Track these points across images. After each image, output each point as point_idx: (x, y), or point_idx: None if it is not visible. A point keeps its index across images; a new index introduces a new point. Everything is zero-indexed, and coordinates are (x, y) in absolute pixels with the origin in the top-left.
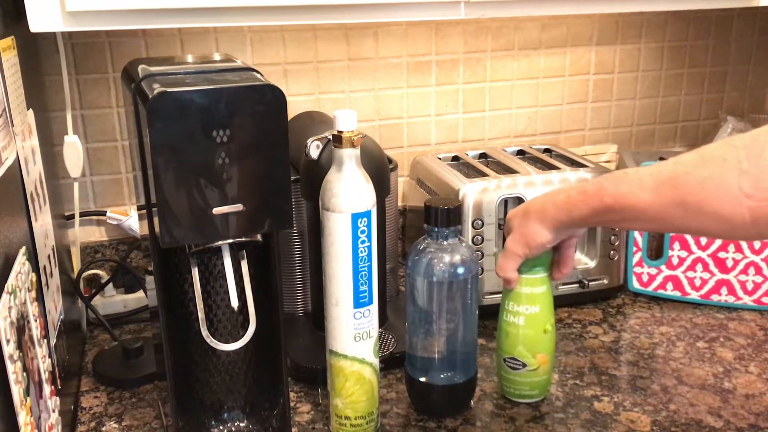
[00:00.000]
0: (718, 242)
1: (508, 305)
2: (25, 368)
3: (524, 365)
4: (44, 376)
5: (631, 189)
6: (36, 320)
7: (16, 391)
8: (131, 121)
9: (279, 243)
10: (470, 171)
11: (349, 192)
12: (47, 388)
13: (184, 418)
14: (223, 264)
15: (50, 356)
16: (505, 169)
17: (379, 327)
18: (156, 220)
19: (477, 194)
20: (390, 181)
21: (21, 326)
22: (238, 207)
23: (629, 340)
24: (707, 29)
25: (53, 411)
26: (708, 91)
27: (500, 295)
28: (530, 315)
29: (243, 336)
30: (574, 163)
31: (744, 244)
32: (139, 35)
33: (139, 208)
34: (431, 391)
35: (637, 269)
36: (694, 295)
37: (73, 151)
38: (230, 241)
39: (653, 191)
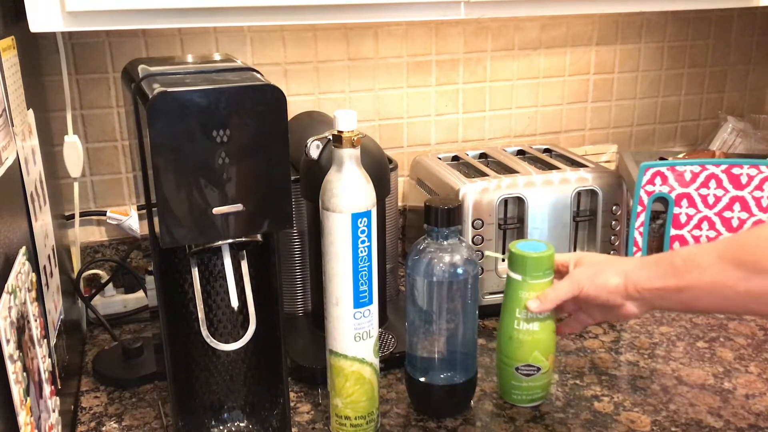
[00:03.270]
0: None
1: (520, 314)
2: (25, 368)
3: (539, 369)
4: (44, 376)
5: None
6: (36, 320)
7: (16, 391)
8: (131, 121)
9: (279, 243)
10: (470, 171)
11: (349, 192)
12: (47, 388)
13: (184, 418)
14: (223, 264)
15: (50, 356)
16: (505, 169)
17: (379, 327)
18: (156, 220)
19: (477, 194)
20: (390, 181)
21: (21, 326)
22: (238, 207)
23: (629, 340)
24: (707, 29)
25: (53, 411)
26: (708, 91)
27: (500, 296)
28: (543, 320)
29: (243, 336)
30: (574, 163)
31: None
32: (139, 35)
33: (139, 208)
34: (431, 391)
35: None
36: None
37: (73, 151)
38: (230, 241)
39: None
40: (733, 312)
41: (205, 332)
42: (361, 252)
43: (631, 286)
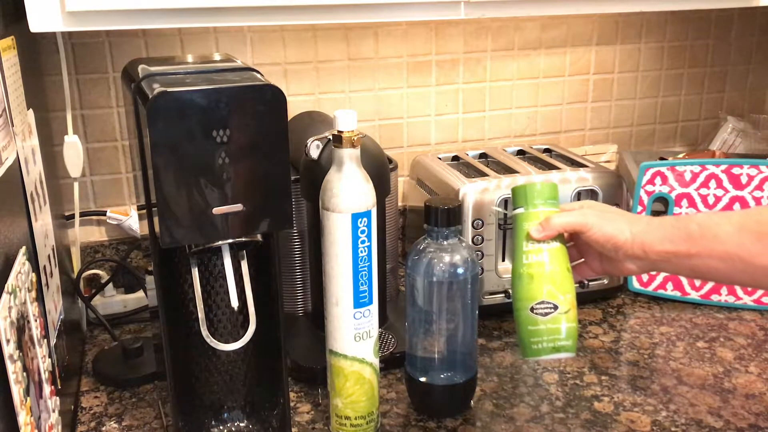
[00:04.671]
0: None
1: (526, 246)
2: (25, 368)
3: (556, 307)
4: (44, 376)
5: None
6: (36, 320)
7: (16, 391)
8: (131, 121)
9: (279, 243)
10: (470, 171)
11: (349, 192)
12: (47, 388)
13: (184, 418)
14: (223, 264)
15: (50, 356)
16: (505, 169)
17: (379, 327)
18: (156, 220)
19: (477, 194)
20: (390, 181)
21: (21, 326)
22: (238, 207)
23: (629, 340)
24: (707, 29)
25: (53, 411)
26: (708, 91)
27: (500, 296)
28: (552, 250)
29: (243, 336)
30: (574, 163)
31: None
32: (139, 35)
33: (139, 208)
34: (431, 391)
35: None
36: (694, 295)
37: (73, 151)
38: (230, 241)
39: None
40: (739, 283)
41: (205, 332)
42: (361, 252)
43: (638, 245)
